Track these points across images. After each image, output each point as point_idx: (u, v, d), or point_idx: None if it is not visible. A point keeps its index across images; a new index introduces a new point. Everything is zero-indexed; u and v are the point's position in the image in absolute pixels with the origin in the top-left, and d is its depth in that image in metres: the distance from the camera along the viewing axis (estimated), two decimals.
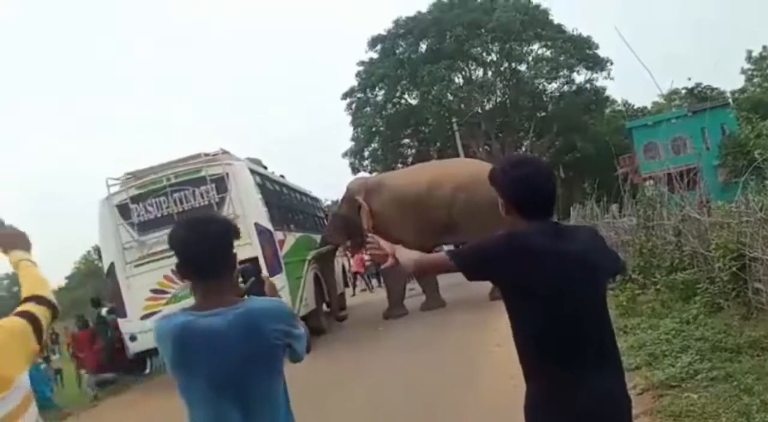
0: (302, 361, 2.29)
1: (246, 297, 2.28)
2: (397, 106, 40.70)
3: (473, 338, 9.91)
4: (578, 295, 2.16)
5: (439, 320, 12.46)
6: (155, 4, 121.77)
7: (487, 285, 13.93)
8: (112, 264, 11.05)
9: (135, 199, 11.07)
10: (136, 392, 11.93)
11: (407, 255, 2.47)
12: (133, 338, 10.88)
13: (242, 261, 2.41)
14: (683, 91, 47.24)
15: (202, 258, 2.16)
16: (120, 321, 11.29)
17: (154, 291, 10.83)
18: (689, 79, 45.19)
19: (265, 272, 2.43)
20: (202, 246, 2.16)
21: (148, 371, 12.69)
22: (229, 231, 2.25)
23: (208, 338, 2.07)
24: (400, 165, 41.82)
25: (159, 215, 11.04)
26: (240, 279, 2.44)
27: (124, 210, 11.08)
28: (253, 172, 11.82)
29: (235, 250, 2.27)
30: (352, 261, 23.78)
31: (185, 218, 2.34)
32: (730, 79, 78.95)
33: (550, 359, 2.15)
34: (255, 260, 2.45)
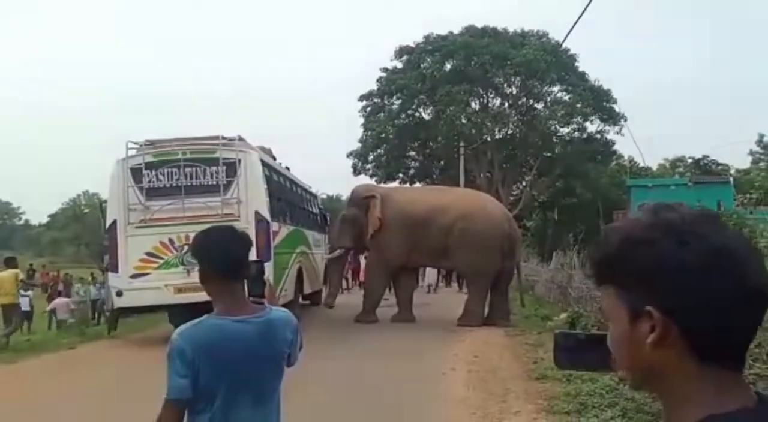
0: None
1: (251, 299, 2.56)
2: (410, 118, 41.30)
3: (432, 356, 10.55)
4: None
5: (406, 334, 13.10)
6: None
7: (457, 310, 14.70)
8: (114, 222, 11.69)
9: (149, 166, 11.73)
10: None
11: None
12: (119, 293, 11.56)
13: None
14: (689, 161, 48.03)
15: (240, 261, 2.47)
16: (110, 275, 11.96)
17: (149, 254, 11.53)
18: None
19: (267, 275, 2.69)
20: (242, 250, 2.48)
21: None
22: (251, 242, 2.60)
23: (238, 342, 2.38)
24: (401, 175, 42.50)
25: (168, 185, 11.73)
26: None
27: (136, 173, 11.73)
28: (263, 162, 12.52)
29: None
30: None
31: (212, 227, 2.62)
32: (737, 158, 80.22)
33: None
34: (261, 263, 2.69)
